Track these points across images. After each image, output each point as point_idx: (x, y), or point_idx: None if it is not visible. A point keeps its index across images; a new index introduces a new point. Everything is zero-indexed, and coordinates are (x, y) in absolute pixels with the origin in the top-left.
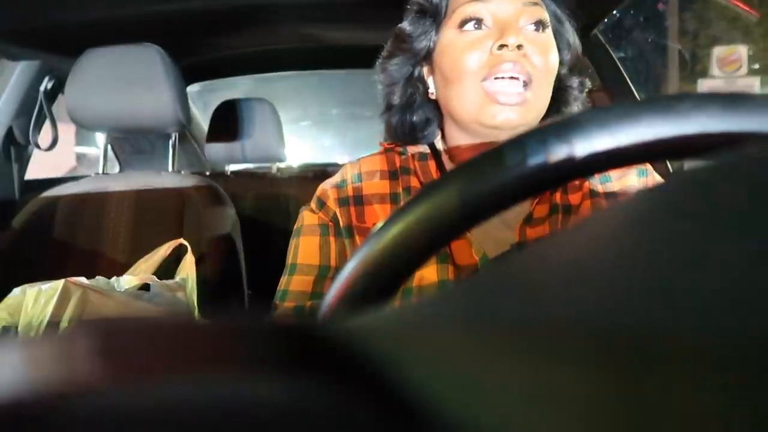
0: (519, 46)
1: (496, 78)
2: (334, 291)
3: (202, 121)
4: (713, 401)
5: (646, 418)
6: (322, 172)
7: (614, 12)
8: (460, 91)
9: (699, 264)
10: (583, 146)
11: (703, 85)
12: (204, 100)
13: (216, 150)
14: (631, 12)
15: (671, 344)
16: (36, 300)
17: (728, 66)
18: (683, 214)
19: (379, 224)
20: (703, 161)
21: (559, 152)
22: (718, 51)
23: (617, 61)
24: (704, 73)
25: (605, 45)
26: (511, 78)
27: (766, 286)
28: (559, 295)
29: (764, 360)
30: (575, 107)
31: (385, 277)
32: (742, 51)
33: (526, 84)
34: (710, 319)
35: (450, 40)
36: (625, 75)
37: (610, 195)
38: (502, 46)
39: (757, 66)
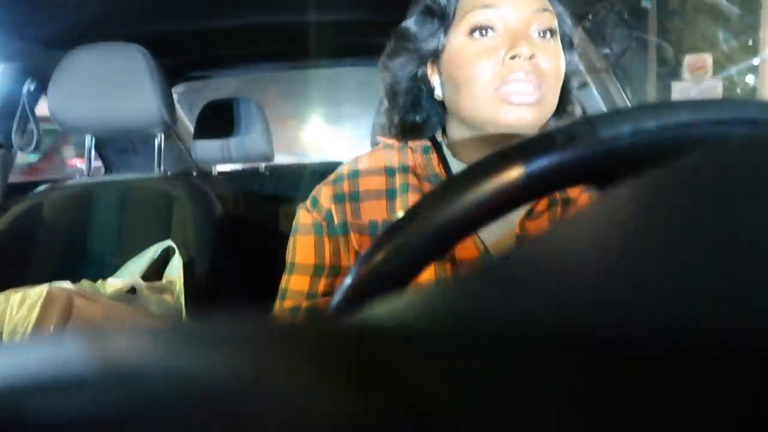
0: (531, 56)
1: (508, 84)
2: (344, 288)
3: (188, 121)
4: (703, 397)
5: (638, 416)
6: (310, 171)
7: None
8: (473, 96)
9: (689, 256)
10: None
11: (675, 87)
12: (189, 101)
13: (203, 150)
14: (614, 14)
15: (663, 339)
16: (20, 305)
17: (696, 71)
18: (674, 206)
19: (400, 212)
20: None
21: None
22: (688, 58)
23: (602, 56)
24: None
25: (590, 41)
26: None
27: (751, 277)
28: (554, 292)
29: (753, 352)
30: (576, 107)
31: (400, 272)
32: (708, 59)
33: (539, 86)
34: (701, 311)
35: (460, 46)
36: (612, 72)
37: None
38: (514, 57)
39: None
